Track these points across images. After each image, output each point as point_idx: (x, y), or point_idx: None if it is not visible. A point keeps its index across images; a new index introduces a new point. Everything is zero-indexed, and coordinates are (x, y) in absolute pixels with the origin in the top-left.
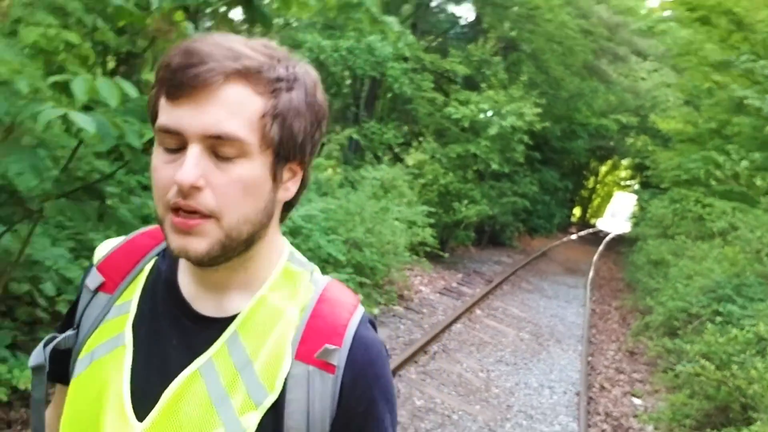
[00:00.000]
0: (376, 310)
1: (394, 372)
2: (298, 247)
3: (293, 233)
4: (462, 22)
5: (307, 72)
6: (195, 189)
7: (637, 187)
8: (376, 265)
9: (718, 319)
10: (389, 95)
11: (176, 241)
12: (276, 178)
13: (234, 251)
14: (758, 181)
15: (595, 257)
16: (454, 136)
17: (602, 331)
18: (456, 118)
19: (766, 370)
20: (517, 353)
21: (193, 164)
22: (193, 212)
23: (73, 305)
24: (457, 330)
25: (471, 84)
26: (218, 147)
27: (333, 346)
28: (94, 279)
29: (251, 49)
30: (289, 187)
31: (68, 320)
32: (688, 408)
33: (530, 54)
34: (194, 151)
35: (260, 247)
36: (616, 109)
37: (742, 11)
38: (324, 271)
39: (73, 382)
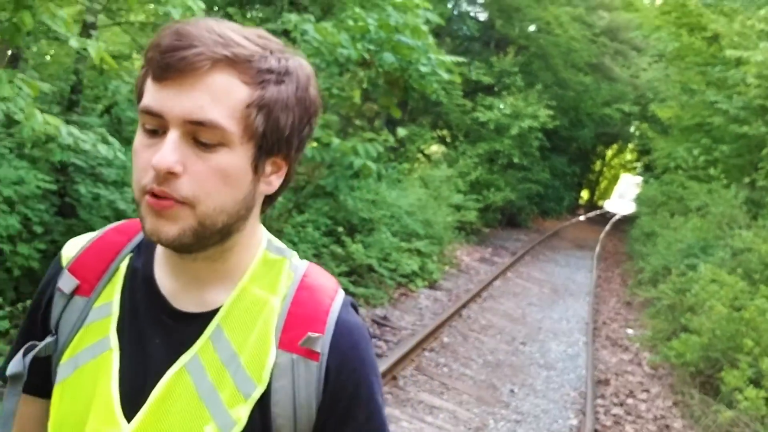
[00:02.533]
0: (446, 267)
1: (466, 305)
2: (393, 225)
3: (392, 217)
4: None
5: (300, 66)
6: (171, 175)
7: (640, 169)
8: (442, 237)
9: (683, 268)
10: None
11: (149, 223)
12: (257, 171)
13: (209, 240)
14: (711, 171)
15: (602, 235)
16: (480, 135)
17: (606, 290)
18: (483, 121)
19: (700, 289)
20: (541, 300)
21: (171, 149)
22: (166, 198)
23: (39, 310)
24: (497, 285)
25: (486, 88)
26: (199, 134)
27: (316, 334)
28: (67, 282)
29: (244, 37)
30: (272, 181)
31: (38, 326)
32: (662, 330)
33: (540, 55)
34: (173, 136)
35: (239, 239)
36: (619, 99)
37: (715, 28)
38: (409, 241)
39: (56, 388)
